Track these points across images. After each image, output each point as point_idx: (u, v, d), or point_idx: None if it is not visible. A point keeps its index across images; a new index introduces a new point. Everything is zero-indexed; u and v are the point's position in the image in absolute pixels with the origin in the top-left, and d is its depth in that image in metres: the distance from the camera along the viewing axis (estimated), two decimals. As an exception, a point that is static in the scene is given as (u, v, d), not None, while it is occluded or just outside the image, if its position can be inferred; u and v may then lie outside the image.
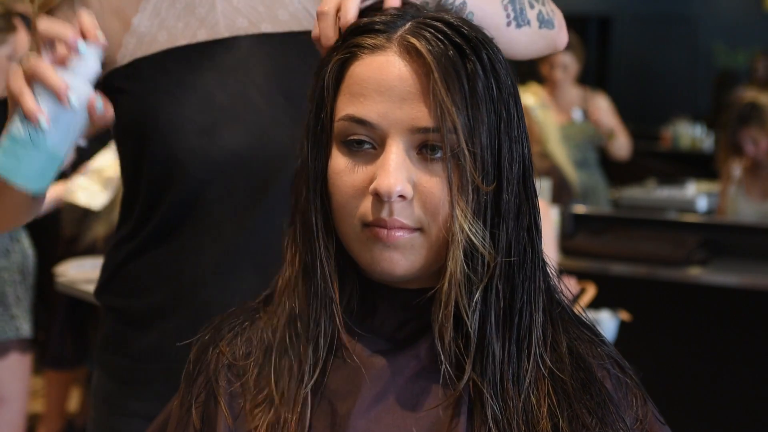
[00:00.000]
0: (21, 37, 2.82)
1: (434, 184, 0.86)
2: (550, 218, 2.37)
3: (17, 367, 2.62)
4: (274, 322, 0.94)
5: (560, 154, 4.04)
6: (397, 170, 0.85)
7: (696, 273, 3.39)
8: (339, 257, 0.92)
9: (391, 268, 0.88)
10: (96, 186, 2.97)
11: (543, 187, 3.33)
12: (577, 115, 4.35)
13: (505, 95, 0.88)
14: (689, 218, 4.04)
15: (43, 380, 3.38)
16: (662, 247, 3.49)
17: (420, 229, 0.87)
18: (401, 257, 0.87)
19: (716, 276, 3.37)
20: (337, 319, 0.91)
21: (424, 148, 0.87)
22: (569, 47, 4.56)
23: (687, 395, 3.35)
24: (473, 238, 0.86)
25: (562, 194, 3.82)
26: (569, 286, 2.57)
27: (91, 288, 3.11)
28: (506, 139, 0.88)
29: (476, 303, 0.87)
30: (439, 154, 0.86)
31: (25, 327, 2.62)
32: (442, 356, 0.87)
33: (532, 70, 4.84)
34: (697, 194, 4.73)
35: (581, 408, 0.89)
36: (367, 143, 0.87)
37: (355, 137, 0.87)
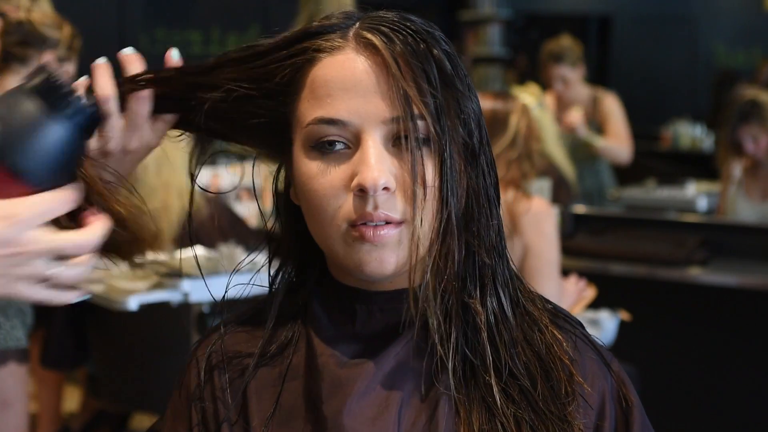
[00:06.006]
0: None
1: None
2: (553, 218, 2.37)
3: (17, 371, 2.62)
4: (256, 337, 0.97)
5: (558, 154, 4.02)
6: (378, 162, 0.85)
7: (696, 273, 3.39)
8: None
9: (380, 269, 0.87)
10: None
11: (543, 187, 3.33)
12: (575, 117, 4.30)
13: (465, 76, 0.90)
14: (689, 218, 4.04)
15: (34, 381, 3.31)
16: (662, 247, 3.49)
17: (404, 221, 0.87)
18: (390, 254, 0.87)
19: (716, 276, 3.37)
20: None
21: (399, 139, 0.87)
22: (564, 57, 4.47)
23: (687, 395, 3.35)
24: (451, 230, 0.87)
25: (561, 194, 3.81)
26: (577, 287, 2.56)
27: (91, 288, 3.08)
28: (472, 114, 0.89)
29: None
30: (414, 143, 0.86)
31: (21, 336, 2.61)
32: (440, 346, 0.87)
33: (531, 70, 4.83)
34: (697, 194, 4.73)
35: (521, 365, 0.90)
36: (339, 143, 0.87)
37: (327, 138, 0.87)
